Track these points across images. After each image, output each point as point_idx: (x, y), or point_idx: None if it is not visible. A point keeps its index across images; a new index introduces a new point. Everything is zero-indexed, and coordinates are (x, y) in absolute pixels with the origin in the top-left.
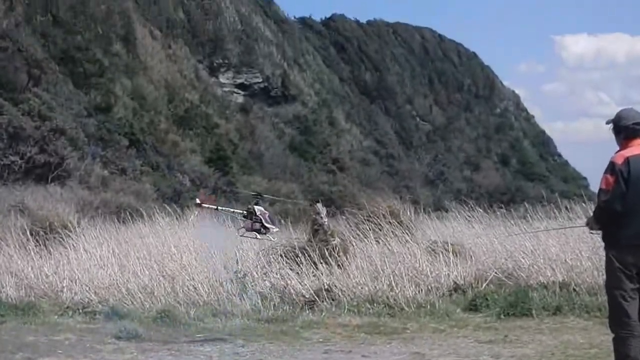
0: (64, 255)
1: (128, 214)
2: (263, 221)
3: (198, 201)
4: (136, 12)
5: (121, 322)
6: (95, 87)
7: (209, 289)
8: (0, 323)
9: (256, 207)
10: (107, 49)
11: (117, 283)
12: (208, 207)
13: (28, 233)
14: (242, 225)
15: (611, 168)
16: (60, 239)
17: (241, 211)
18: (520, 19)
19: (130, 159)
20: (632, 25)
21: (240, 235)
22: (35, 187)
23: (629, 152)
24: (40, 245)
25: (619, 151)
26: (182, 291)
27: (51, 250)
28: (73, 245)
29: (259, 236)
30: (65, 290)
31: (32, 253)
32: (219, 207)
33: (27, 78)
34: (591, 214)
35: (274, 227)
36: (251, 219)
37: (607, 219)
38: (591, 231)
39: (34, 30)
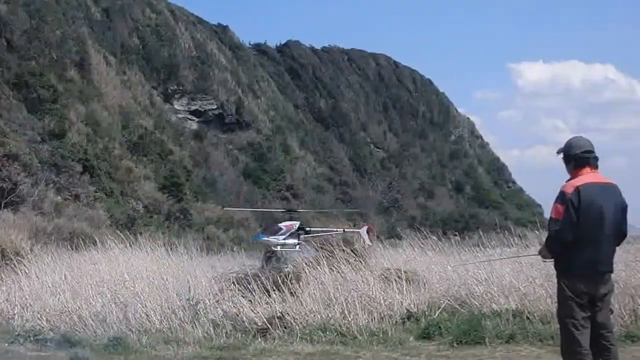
0: (16, 282)
1: (81, 240)
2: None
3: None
4: (91, 38)
5: (73, 349)
6: (49, 113)
7: (161, 316)
8: None
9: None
10: (62, 74)
11: (69, 310)
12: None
13: None
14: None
15: (561, 197)
16: (13, 266)
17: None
18: (476, 46)
19: (84, 185)
20: (587, 52)
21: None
22: None
23: (579, 181)
24: None
25: (569, 180)
26: (135, 318)
27: (3, 277)
28: (25, 271)
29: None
30: (16, 317)
31: None
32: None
33: None
34: (544, 242)
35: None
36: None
37: (558, 248)
38: (544, 260)
39: None
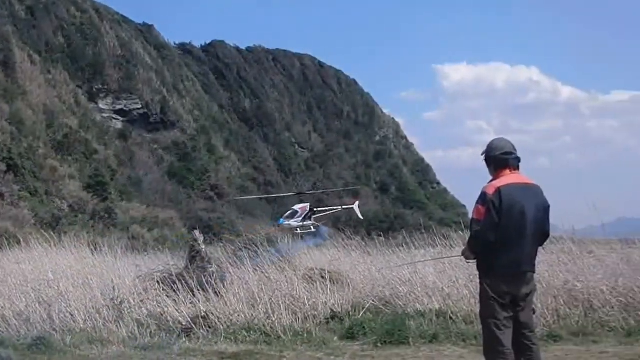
0: None
1: (5, 239)
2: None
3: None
4: (15, 36)
5: None
6: None
7: (85, 316)
8: None
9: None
10: None
11: None
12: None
13: None
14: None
15: (483, 198)
16: None
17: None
18: (402, 47)
19: (8, 184)
20: (511, 55)
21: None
22: None
23: (500, 182)
24: None
25: (491, 181)
26: (59, 318)
27: None
28: None
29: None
30: None
31: None
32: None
33: None
34: (467, 242)
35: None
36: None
37: (480, 249)
38: (467, 260)
39: None
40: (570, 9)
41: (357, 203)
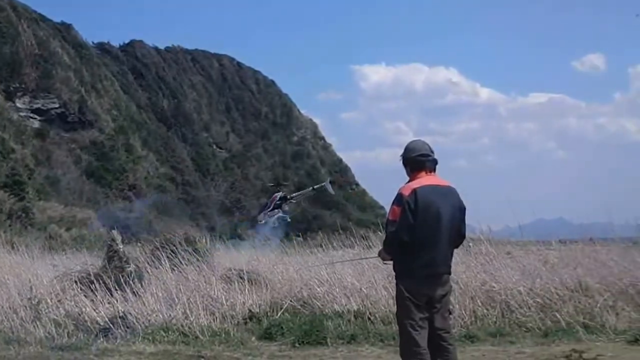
0: None
1: None
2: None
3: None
4: None
5: None
6: None
7: (2, 316)
8: None
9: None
10: None
11: None
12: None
13: None
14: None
15: (398, 199)
16: None
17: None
18: (320, 47)
19: None
20: (429, 56)
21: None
22: None
23: (416, 183)
24: None
25: (407, 182)
26: None
27: None
28: None
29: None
30: None
31: None
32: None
33: None
34: (383, 243)
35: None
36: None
37: (396, 250)
38: (384, 262)
39: None
40: (490, 8)
41: (329, 179)
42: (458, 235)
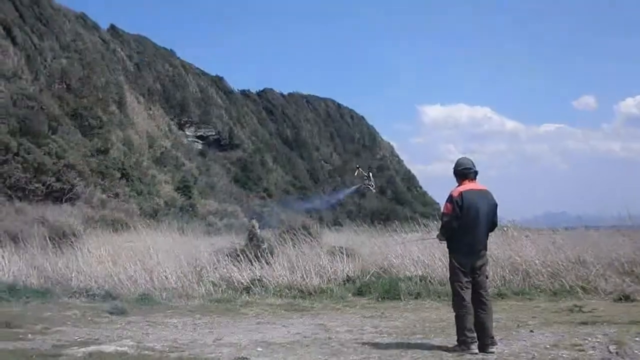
0: (73, 254)
1: (120, 225)
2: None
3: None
4: (127, 84)
5: (113, 302)
6: (97, 136)
7: (176, 278)
8: (26, 303)
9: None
10: (106, 109)
11: (110, 274)
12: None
13: (47, 238)
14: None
15: (450, 199)
16: (70, 243)
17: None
18: (395, 91)
19: (121, 186)
20: (471, 98)
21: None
22: (52, 206)
23: (462, 187)
24: (56, 247)
25: (456, 187)
26: (157, 280)
27: (64, 251)
28: (80, 247)
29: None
30: (73, 279)
31: (50, 253)
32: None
33: (47, 128)
34: (439, 229)
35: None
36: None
37: (448, 233)
38: (440, 241)
39: (52, 94)
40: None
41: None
42: (492, 224)
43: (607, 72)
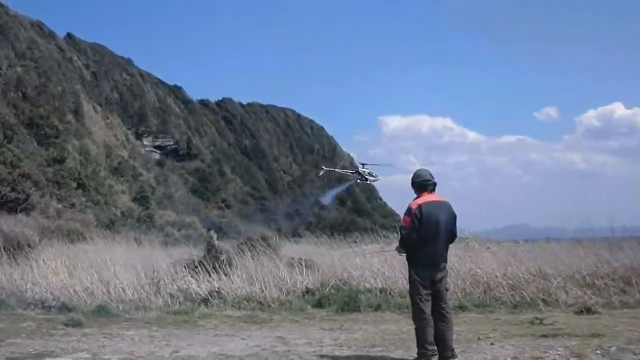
0: (28, 265)
1: (76, 236)
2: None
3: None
4: (83, 92)
5: (69, 313)
6: (53, 145)
7: (133, 290)
8: None
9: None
10: (62, 118)
11: (66, 285)
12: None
13: (2, 249)
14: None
15: (408, 211)
16: (26, 254)
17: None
18: (354, 102)
19: (78, 197)
20: (432, 108)
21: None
22: (7, 216)
23: (421, 200)
24: (10, 258)
25: (414, 199)
26: (114, 291)
27: (19, 261)
28: (35, 258)
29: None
30: (28, 290)
31: (4, 264)
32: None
33: (2, 137)
34: (399, 241)
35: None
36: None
37: (407, 246)
38: (400, 253)
39: (8, 103)
40: (474, 75)
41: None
42: (451, 235)
43: (569, 84)
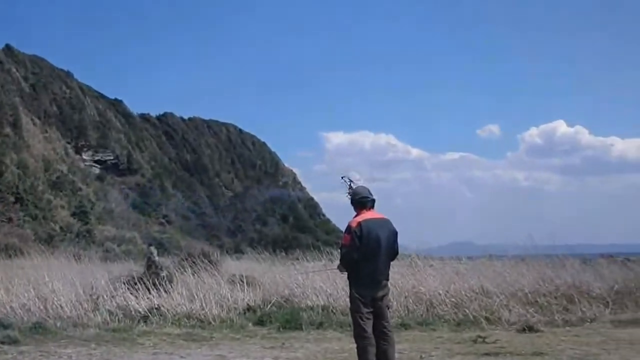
0: None
1: (13, 251)
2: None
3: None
4: (22, 105)
5: (5, 331)
6: None
7: (71, 307)
8: None
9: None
10: (0, 131)
11: (3, 302)
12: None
13: None
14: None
15: (348, 230)
16: None
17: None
18: (297, 118)
19: (15, 211)
20: (374, 125)
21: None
22: None
23: (360, 217)
24: None
25: (354, 217)
26: (52, 308)
27: None
28: None
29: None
30: None
31: None
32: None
33: None
34: (339, 260)
35: None
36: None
37: (348, 264)
38: (341, 272)
39: None
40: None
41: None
42: (393, 252)
43: (511, 102)
